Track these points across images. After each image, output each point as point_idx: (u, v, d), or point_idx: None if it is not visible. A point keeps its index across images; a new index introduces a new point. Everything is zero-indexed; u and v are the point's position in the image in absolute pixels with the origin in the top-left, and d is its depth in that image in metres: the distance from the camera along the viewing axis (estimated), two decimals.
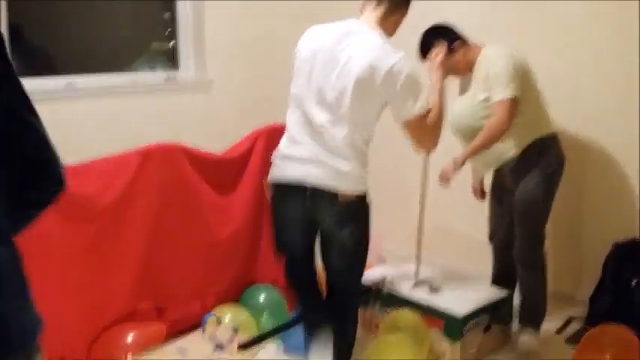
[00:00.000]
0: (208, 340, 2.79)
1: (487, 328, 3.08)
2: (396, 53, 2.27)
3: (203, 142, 3.23)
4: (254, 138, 3.29)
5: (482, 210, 3.40)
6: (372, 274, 3.34)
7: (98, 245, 2.71)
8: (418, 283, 3.23)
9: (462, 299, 3.09)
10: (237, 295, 3.28)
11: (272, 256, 3.35)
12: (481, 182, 3.39)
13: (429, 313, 3.04)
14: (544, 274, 3.16)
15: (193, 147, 3.07)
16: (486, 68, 2.92)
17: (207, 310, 3.07)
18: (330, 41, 2.31)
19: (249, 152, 3.26)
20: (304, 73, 2.35)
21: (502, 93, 2.85)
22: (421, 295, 3.14)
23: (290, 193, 2.39)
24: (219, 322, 2.88)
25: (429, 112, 2.34)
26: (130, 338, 2.74)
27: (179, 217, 2.99)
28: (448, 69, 2.91)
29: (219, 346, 2.74)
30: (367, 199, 2.40)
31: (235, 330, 2.82)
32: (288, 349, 3.08)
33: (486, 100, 2.92)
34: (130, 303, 2.87)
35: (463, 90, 3.11)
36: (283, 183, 2.43)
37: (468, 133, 3.01)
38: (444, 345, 3.00)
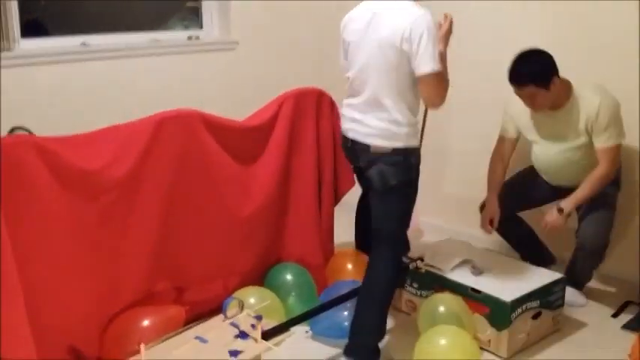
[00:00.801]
0: (230, 327, 2.55)
1: (537, 315, 2.79)
2: (417, 10, 2.41)
3: (226, 107, 2.96)
4: (280, 103, 3.00)
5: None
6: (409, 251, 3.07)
7: (109, 222, 2.46)
8: (460, 264, 2.94)
9: (509, 283, 2.81)
10: (261, 275, 3.03)
11: (299, 233, 3.13)
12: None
13: (471, 297, 2.75)
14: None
15: (213, 113, 2.78)
16: (590, 113, 2.84)
17: (229, 291, 2.82)
18: (366, 20, 2.51)
19: (274, 118, 2.97)
20: (352, 53, 2.58)
21: (609, 140, 2.85)
22: (462, 277, 2.85)
23: None
24: (241, 306, 2.63)
25: (442, 72, 2.45)
26: (145, 323, 2.52)
27: (197, 191, 2.72)
28: (536, 104, 2.88)
29: (242, 334, 2.49)
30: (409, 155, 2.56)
31: (259, 317, 2.57)
32: (316, 335, 2.84)
33: (585, 144, 2.90)
34: (145, 284, 2.64)
35: (542, 126, 3.00)
36: None
37: (561, 176, 3.04)
38: (489, 333, 2.72)
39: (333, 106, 3.16)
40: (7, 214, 2.16)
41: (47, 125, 2.58)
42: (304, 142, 3.07)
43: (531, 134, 3.06)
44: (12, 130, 2.75)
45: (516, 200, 3.18)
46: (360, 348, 2.61)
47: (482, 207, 3.17)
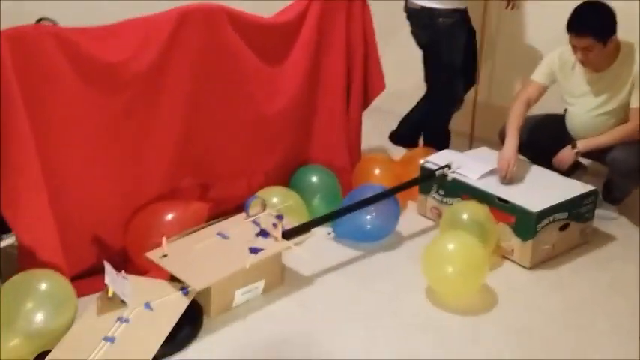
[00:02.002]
0: (251, 225, 2.57)
1: (564, 227, 2.73)
2: None
3: (252, 3, 2.84)
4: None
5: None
6: (436, 158, 3.01)
7: (131, 117, 2.46)
8: (489, 173, 2.87)
9: (537, 193, 2.73)
10: (286, 176, 3.02)
11: (326, 135, 3.08)
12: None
13: (498, 206, 2.70)
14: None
15: (238, 9, 2.68)
16: (635, 72, 2.79)
17: (253, 190, 2.83)
18: None
19: (302, 16, 2.86)
20: None
21: None
22: (490, 186, 2.79)
23: None
24: (263, 205, 2.64)
25: None
26: (168, 217, 2.56)
27: (222, 89, 2.67)
28: (588, 58, 2.78)
29: (263, 232, 2.52)
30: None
31: (280, 216, 2.58)
32: (338, 236, 2.86)
33: (623, 106, 2.86)
34: (169, 180, 2.66)
35: (585, 84, 2.91)
36: None
37: (591, 128, 2.95)
38: (513, 242, 2.69)
39: (365, 6, 3.02)
40: (29, 103, 2.17)
41: (72, 16, 2.54)
42: (334, 41, 2.96)
43: (570, 93, 2.98)
44: (39, 21, 2.74)
45: (544, 141, 3.05)
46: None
47: (502, 135, 3.05)
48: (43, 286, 2.12)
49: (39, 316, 2.06)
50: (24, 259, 2.27)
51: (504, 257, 2.74)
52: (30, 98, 2.18)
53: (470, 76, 3.49)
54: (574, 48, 2.80)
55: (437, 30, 3.19)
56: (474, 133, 3.72)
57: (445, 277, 2.42)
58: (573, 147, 2.92)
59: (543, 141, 3.04)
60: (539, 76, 3.01)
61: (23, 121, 2.16)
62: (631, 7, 3.07)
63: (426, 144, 3.56)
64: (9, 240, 2.39)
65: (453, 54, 3.25)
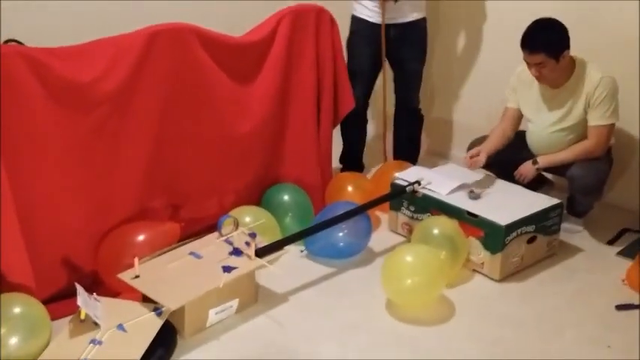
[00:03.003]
0: (224, 244, 2.57)
1: (532, 239, 2.79)
2: None
3: (220, 24, 2.86)
4: (278, 19, 2.91)
5: None
6: (406, 175, 3.05)
7: (101, 137, 2.45)
8: (458, 188, 2.93)
9: (505, 207, 2.79)
10: (258, 196, 3.04)
11: (297, 153, 3.11)
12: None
13: (467, 221, 2.75)
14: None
15: (208, 28, 2.70)
16: (590, 89, 2.86)
17: (225, 209, 2.83)
18: None
19: (272, 35, 2.89)
20: None
21: (602, 117, 2.88)
22: (459, 201, 2.84)
23: None
24: (236, 224, 2.65)
25: None
26: (139, 238, 2.54)
27: (192, 108, 2.68)
28: (542, 74, 2.86)
29: (236, 251, 2.52)
30: None
31: (253, 234, 2.59)
32: (311, 254, 2.87)
33: (581, 123, 2.93)
34: (140, 200, 2.65)
35: (541, 101, 3.00)
36: None
37: (548, 145, 3.02)
38: (482, 255, 2.74)
39: (333, 24, 3.07)
40: None
41: (38, 37, 2.52)
42: (303, 60, 3.00)
43: (529, 110, 3.06)
44: (5, 42, 2.71)
45: (506, 158, 3.11)
46: None
47: (471, 147, 3.13)
48: (17, 309, 2.09)
49: (12, 340, 2.04)
50: None
51: (474, 270, 2.78)
52: None
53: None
54: (528, 65, 2.88)
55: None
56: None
57: (402, 289, 2.47)
58: (534, 163, 3.00)
59: (507, 157, 3.10)
60: (509, 101, 3.11)
61: None
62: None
63: (396, 157, 3.62)
64: None
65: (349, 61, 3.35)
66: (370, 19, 3.34)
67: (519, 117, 3.11)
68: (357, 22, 3.35)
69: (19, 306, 2.11)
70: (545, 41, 2.79)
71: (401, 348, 2.32)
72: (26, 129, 2.25)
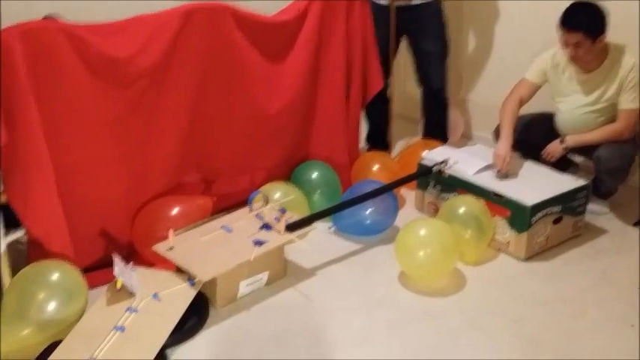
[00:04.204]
0: (255, 219, 2.63)
1: (558, 220, 2.81)
2: None
3: (251, 3, 2.89)
4: None
5: None
6: (433, 155, 3.08)
7: (138, 112, 2.51)
8: (485, 168, 2.95)
9: (531, 188, 2.81)
10: (288, 173, 3.09)
11: (326, 132, 3.15)
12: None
13: (493, 200, 2.78)
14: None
15: (241, 7, 2.75)
16: (624, 73, 2.90)
17: (255, 186, 2.90)
18: None
19: (303, 14, 2.91)
20: None
21: (634, 101, 2.91)
22: (486, 181, 2.87)
23: None
24: (266, 200, 2.71)
25: None
26: (174, 211, 2.61)
27: (225, 86, 2.73)
28: (577, 54, 2.87)
29: (266, 226, 2.58)
30: None
31: (283, 210, 2.64)
32: (339, 231, 2.92)
33: (612, 106, 2.96)
34: (174, 175, 2.72)
35: (575, 83, 3.01)
36: None
37: (578, 126, 3.04)
38: (508, 235, 2.77)
39: (364, 4, 3.09)
40: (39, 98, 2.22)
41: (76, 13, 2.58)
42: (334, 39, 3.02)
43: (560, 92, 3.06)
44: (45, 18, 2.77)
45: (533, 140, 3.13)
46: None
47: (496, 133, 3.12)
48: (55, 276, 2.18)
49: (51, 306, 2.12)
50: (34, 252, 2.33)
51: (500, 250, 2.81)
52: (40, 93, 2.24)
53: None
54: (565, 44, 2.88)
55: None
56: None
57: (415, 262, 2.55)
58: (562, 141, 3.03)
59: (535, 139, 3.12)
60: (531, 75, 3.09)
61: (34, 116, 2.22)
62: (631, 6, 3.14)
63: (425, 136, 3.66)
64: (16, 235, 2.43)
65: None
66: (380, 2, 3.33)
67: (535, 92, 3.10)
68: (371, 6, 3.32)
69: (57, 272, 2.19)
70: (585, 21, 2.81)
71: (426, 323, 2.37)
72: (66, 103, 2.32)
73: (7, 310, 2.11)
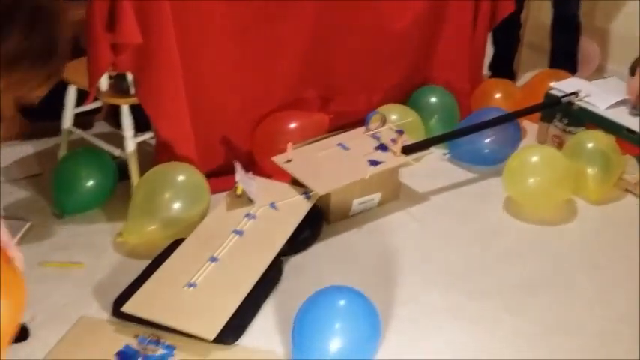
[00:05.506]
0: (371, 139, 2.62)
1: None
2: None
3: None
4: None
5: None
6: (563, 85, 2.91)
7: (261, 26, 2.51)
8: (618, 103, 2.76)
9: None
10: (404, 95, 3.02)
11: (449, 56, 3.04)
12: None
13: (625, 137, 2.61)
14: None
15: None
16: None
17: (372, 106, 2.86)
18: None
19: None
20: None
21: None
22: (618, 117, 2.69)
23: None
24: (383, 121, 2.67)
25: None
26: (292, 125, 2.65)
27: (349, 3, 2.67)
28: None
29: (382, 147, 2.56)
30: None
31: (400, 131, 2.61)
32: (454, 158, 2.86)
33: None
34: (294, 90, 2.73)
35: None
36: None
37: None
38: (637, 175, 2.60)
39: None
40: (173, 4, 2.26)
41: None
42: None
43: None
44: None
45: None
46: None
47: (633, 67, 2.86)
48: (181, 178, 2.28)
49: (176, 205, 2.23)
50: (161, 154, 2.44)
51: (627, 190, 2.66)
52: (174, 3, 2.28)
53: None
54: None
55: None
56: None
57: (524, 188, 2.49)
58: None
59: None
60: None
61: (168, 20, 2.26)
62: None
63: (552, 65, 3.46)
64: (144, 137, 2.55)
65: None
66: None
67: None
68: None
69: (183, 175, 2.30)
70: None
71: (538, 254, 2.31)
72: (197, 9, 2.35)
73: (135, 206, 2.25)
